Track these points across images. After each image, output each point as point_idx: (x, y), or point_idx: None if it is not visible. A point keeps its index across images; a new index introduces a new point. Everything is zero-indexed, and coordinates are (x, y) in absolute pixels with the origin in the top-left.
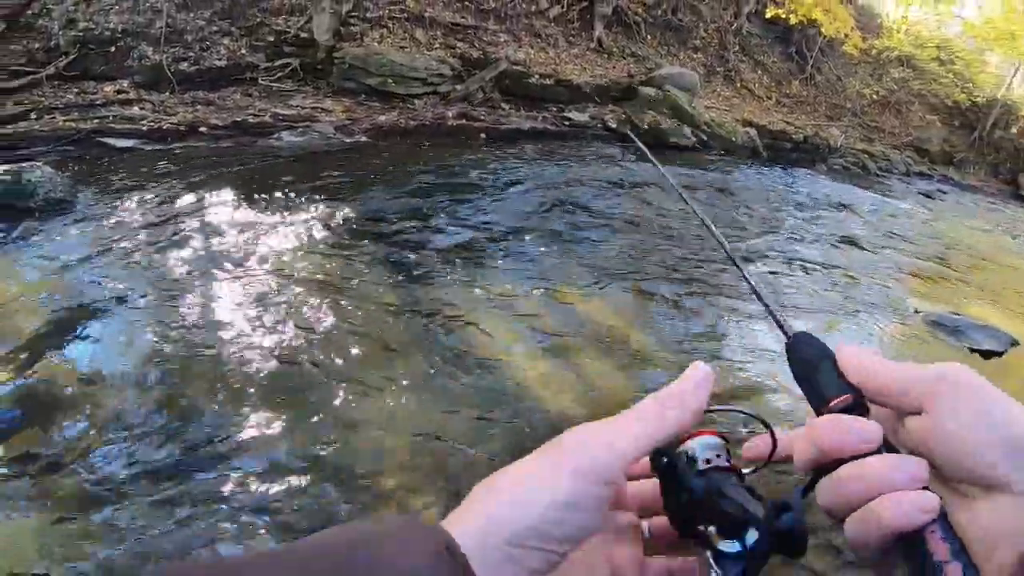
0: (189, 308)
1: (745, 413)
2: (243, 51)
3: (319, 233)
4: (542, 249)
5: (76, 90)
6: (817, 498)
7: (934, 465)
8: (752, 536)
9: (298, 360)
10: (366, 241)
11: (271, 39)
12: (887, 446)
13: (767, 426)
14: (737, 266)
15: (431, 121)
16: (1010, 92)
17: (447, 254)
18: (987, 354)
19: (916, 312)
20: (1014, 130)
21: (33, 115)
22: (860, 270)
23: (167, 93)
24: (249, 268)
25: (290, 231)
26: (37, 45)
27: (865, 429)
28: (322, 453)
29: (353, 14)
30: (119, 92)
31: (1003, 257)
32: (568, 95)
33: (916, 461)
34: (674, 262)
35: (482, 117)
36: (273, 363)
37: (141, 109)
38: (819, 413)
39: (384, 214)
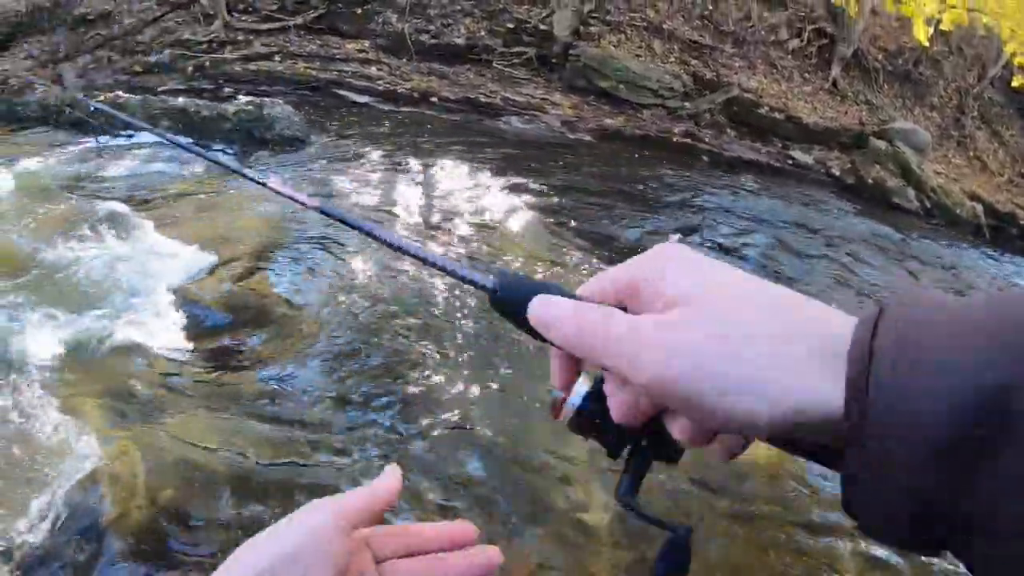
0: (395, 257)
1: None
2: (482, 33)
3: (525, 217)
4: None
5: (319, 42)
6: None
7: None
8: None
9: (486, 329)
10: (570, 237)
11: (510, 26)
12: None
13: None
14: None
15: (656, 133)
16: None
17: None
18: None
19: None
20: None
21: (277, 58)
22: None
23: (404, 60)
24: (454, 232)
25: (499, 208)
26: None
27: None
28: (500, 432)
29: (594, 15)
30: (360, 51)
31: None
32: (795, 132)
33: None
34: None
35: (706, 139)
36: (462, 325)
37: (379, 70)
38: None
39: (594, 215)
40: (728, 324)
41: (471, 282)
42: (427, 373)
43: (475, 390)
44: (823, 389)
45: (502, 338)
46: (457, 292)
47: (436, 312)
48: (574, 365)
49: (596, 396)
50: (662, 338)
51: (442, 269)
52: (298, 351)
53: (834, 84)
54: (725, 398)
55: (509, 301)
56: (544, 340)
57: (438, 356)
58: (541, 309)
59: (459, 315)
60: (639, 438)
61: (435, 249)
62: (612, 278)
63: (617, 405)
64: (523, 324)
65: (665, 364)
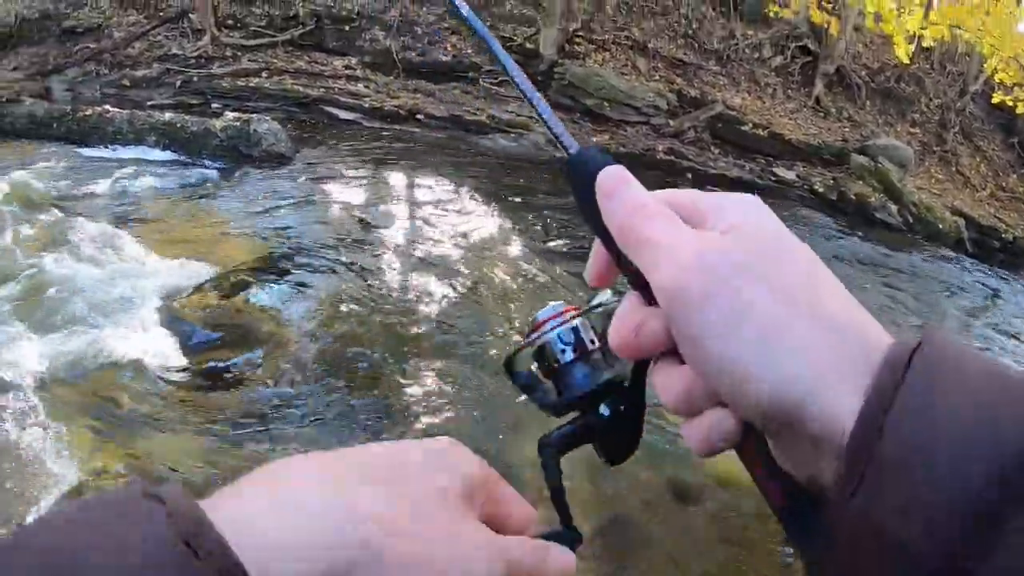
0: (379, 273)
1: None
2: (468, 51)
3: (515, 236)
4: None
5: (307, 59)
6: None
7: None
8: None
9: (469, 343)
10: (554, 255)
11: None
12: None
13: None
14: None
15: (640, 151)
16: None
17: None
18: None
19: None
20: None
21: (264, 74)
22: None
23: (392, 77)
24: (440, 250)
25: (486, 227)
26: (277, 12)
27: (646, 330)
28: (482, 443)
29: (579, 33)
30: (347, 68)
31: None
32: (778, 149)
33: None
34: None
35: (690, 156)
36: (446, 339)
37: (366, 87)
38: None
39: (577, 233)
40: (768, 269)
41: (558, 137)
42: (414, 388)
43: (461, 403)
44: (841, 396)
45: (489, 345)
46: (443, 306)
47: (422, 326)
48: (610, 267)
49: (578, 342)
50: (699, 247)
51: (540, 116)
52: (284, 368)
53: (817, 101)
54: (733, 341)
55: (581, 163)
56: (592, 224)
57: (424, 370)
58: (613, 179)
59: (444, 328)
60: (592, 409)
61: (412, 261)
62: (691, 197)
63: (621, 323)
64: (584, 198)
65: (695, 269)
